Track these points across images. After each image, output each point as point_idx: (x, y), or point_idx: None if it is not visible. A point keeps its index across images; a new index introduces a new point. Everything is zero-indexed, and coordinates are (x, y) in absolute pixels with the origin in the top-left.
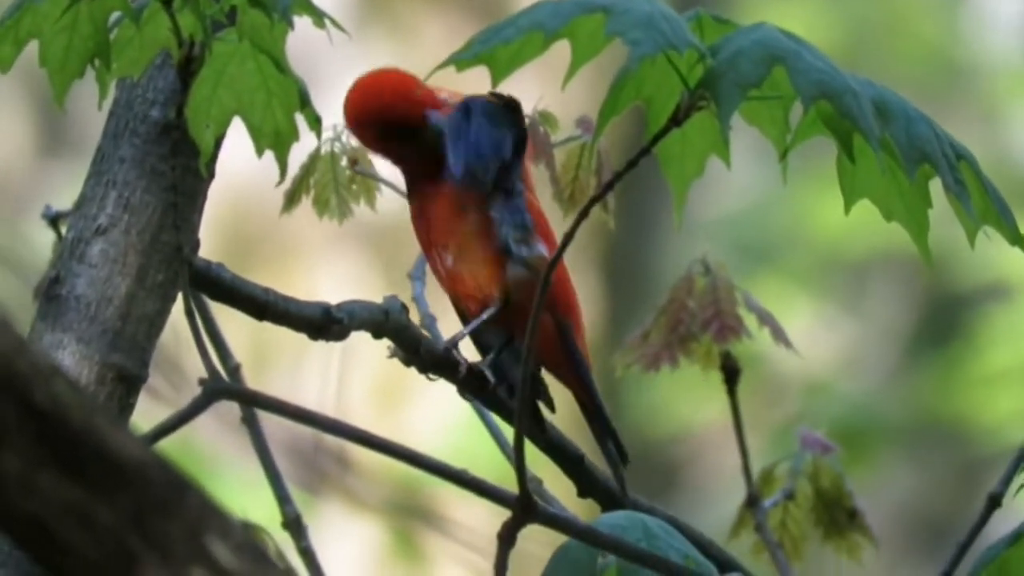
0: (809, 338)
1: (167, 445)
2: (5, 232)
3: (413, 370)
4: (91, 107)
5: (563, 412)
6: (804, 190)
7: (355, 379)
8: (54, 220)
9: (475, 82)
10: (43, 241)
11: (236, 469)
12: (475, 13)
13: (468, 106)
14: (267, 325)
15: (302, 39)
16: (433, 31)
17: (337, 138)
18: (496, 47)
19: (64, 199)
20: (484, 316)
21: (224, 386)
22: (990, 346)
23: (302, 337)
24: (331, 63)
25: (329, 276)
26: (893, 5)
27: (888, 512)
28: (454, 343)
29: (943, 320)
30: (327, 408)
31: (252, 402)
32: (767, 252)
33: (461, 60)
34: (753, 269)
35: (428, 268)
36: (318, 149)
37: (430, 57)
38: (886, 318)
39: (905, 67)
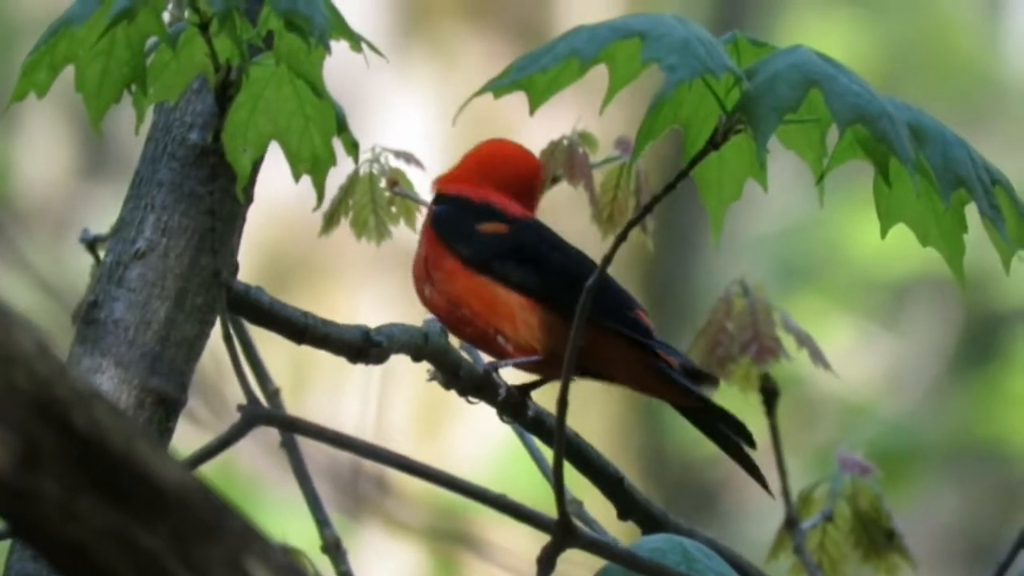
0: (848, 359)
1: (207, 469)
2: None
3: (453, 393)
4: (131, 130)
5: (599, 432)
6: (843, 210)
7: (395, 402)
8: (92, 244)
9: (514, 106)
10: (81, 265)
11: (275, 493)
12: (514, 36)
13: None
14: (307, 348)
15: (341, 62)
16: (472, 54)
17: (376, 159)
18: (534, 74)
19: (104, 223)
20: (525, 359)
21: (263, 412)
22: None
23: (342, 360)
24: (372, 84)
25: (368, 299)
26: (932, 24)
27: (928, 533)
28: (495, 367)
29: (982, 340)
30: (366, 431)
31: (291, 428)
32: (806, 272)
33: (499, 87)
34: (792, 289)
35: None
36: (356, 171)
37: (469, 80)
38: (925, 338)
39: (944, 86)
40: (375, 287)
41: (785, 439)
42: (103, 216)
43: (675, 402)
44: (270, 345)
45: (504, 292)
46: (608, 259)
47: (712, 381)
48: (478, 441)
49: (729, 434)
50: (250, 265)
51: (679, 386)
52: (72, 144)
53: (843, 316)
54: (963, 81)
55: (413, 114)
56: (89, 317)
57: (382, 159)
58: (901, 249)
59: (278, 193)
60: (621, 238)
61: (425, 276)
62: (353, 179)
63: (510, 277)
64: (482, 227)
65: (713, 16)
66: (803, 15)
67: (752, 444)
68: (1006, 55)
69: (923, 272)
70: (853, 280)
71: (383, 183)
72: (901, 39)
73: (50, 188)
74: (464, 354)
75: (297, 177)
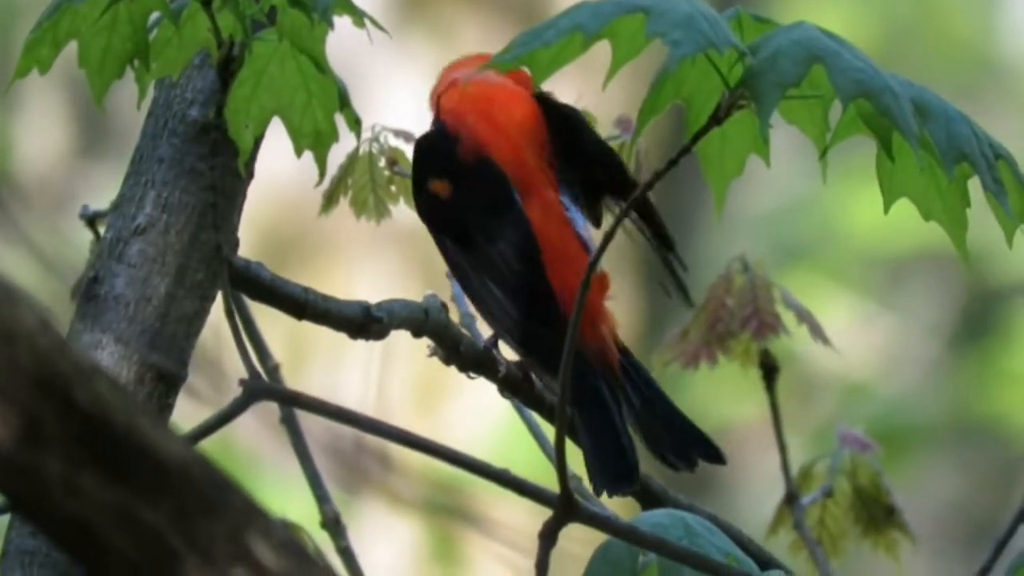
0: (848, 335)
1: (207, 445)
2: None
3: (453, 369)
4: (133, 106)
5: None
6: (844, 187)
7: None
8: (92, 220)
9: None
10: (82, 241)
11: (276, 469)
12: (514, 13)
13: None
14: (307, 324)
15: (343, 39)
16: (473, 31)
17: (375, 139)
18: (537, 49)
19: (104, 199)
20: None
21: (264, 386)
22: None
23: (342, 336)
24: (371, 64)
25: (368, 275)
26: (931, 2)
27: (928, 510)
28: (494, 342)
29: (983, 317)
30: (367, 407)
31: (292, 402)
32: (807, 249)
33: (502, 63)
34: (792, 266)
35: None
36: (356, 150)
37: None
38: (925, 315)
39: (943, 64)
40: (374, 265)
41: (785, 415)
42: (103, 192)
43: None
44: (270, 321)
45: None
46: (609, 237)
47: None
48: (478, 417)
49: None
50: (250, 242)
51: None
52: (72, 121)
53: (842, 293)
54: (961, 60)
55: (412, 93)
56: (89, 293)
57: (381, 138)
58: (901, 226)
59: (278, 171)
60: (623, 215)
61: None
62: (353, 158)
63: (445, 251)
64: (431, 184)
65: None
66: None
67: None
68: (1004, 33)
69: (923, 249)
70: (852, 257)
71: (382, 162)
72: (900, 18)
73: (50, 165)
74: (464, 330)
75: (299, 153)
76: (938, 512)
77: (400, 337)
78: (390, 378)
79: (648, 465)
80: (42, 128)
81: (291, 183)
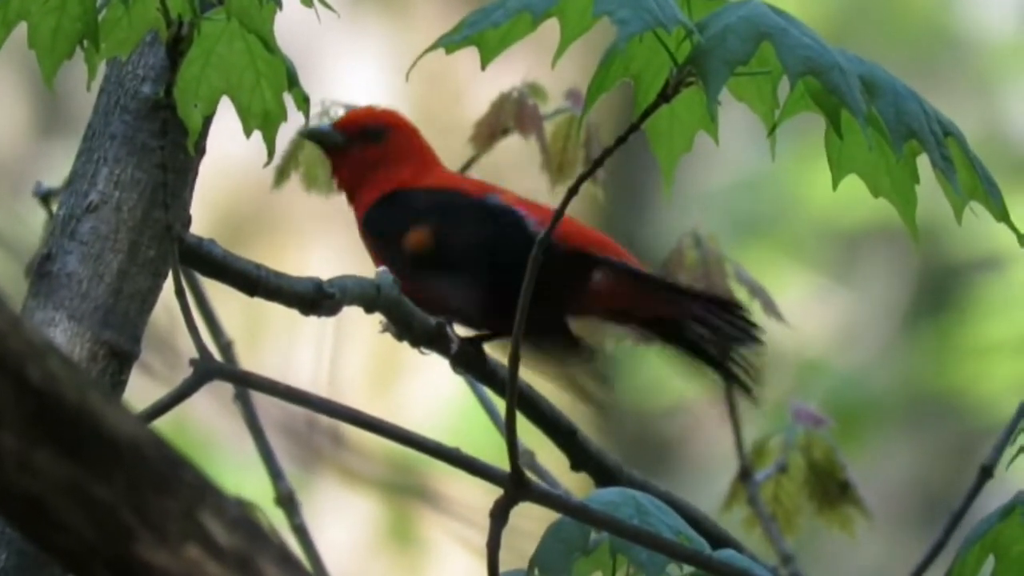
0: (802, 310)
1: (161, 423)
2: None
3: (406, 345)
4: (86, 85)
5: (552, 386)
6: (797, 161)
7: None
8: (45, 197)
9: (467, 60)
10: (36, 219)
11: (229, 446)
12: None
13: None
14: (261, 301)
15: (295, 17)
16: (425, 10)
17: (326, 113)
18: (485, 29)
19: (59, 177)
20: None
21: (215, 366)
22: (985, 318)
23: (296, 312)
24: (323, 41)
25: (319, 253)
26: None
27: (884, 485)
28: (448, 320)
29: (937, 292)
30: (321, 384)
31: (243, 382)
32: (760, 224)
33: (451, 43)
34: (746, 241)
35: None
36: (306, 124)
37: (422, 37)
38: (879, 290)
39: (898, 39)
40: (326, 241)
41: (738, 391)
42: (58, 171)
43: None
44: (225, 298)
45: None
46: (560, 212)
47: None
48: (432, 392)
49: (706, 348)
50: (202, 219)
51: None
52: (27, 99)
53: (796, 268)
54: (917, 35)
55: (366, 69)
56: (42, 270)
57: (332, 112)
58: (856, 200)
59: (229, 148)
60: (572, 192)
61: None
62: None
63: (434, 289)
64: (407, 239)
65: None
66: None
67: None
68: (961, 6)
69: (878, 224)
70: (808, 231)
71: None
72: None
73: (5, 144)
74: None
75: (248, 133)
76: (893, 487)
77: (354, 313)
78: (344, 355)
79: (602, 443)
80: None
81: (244, 160)
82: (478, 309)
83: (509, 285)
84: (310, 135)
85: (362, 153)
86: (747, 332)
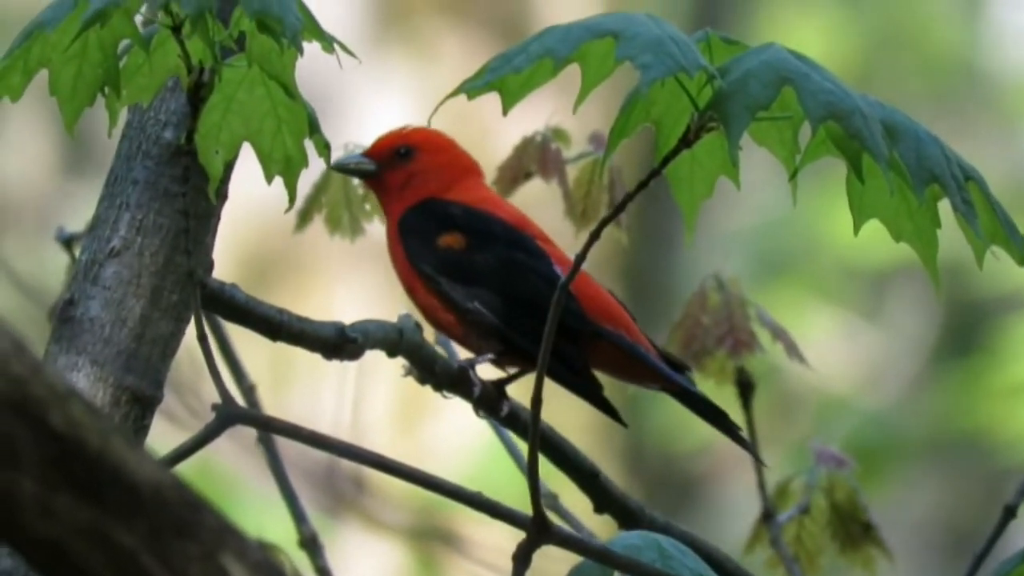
0: (827, 350)
1: (184, 465)
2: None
3: (429, 388)
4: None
5: (577, 427)
6: (821, 201)
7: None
8: (68, 242)
9: (492, 103)
10: (59, 263)
11: (252, 489)
12: (492, 31)
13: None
14: (283, 345)
15: (318, 57)
16: (450, 50)
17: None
18: (507, 75)
19: (83, 221)
20: (490, 356)
21: (238, 411)
22: (1011, 358)
23: (319, 356)
24: (347, 82)
25: (344, 295)
26: (911, 16)
27: (908, 525)
28: (471, 364)
29: (963, 330)
30: (344, 427)
31: (266, 427)
32: (785, 264)
33: (472, 88)
34: (771, 281)
35: None
36: (327, 171)
37: (447, 77)
38: (905, 330)
39: (923, 79)
40: (350, 283)
41: (762, 432)
42: (81, 213)
43: (653, 386)
44: (248, 342)
45: (458, 315)
46: (582, 257)
47: (685, 367)
48: (456, 435)
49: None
50: (226, 263)
51: (659, 372)
52: (51, 142)
53: (822, 307)
54: (942, 74)
55: (390, 111)
56: (65, 315)
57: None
58: (880, 239)
59: (253, 191)
60: (594, 236)
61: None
62: (326, 176)
63: (458, 300)
64: (440, 238)
65: (692, 12)
66: (781, 10)
67: (732, 430)
68: (984, 47)
69: (902, 262)
70: (832, 271)
71: (356, 180)
72: (879, 32)
73: (29, 186)
74: (440, 349)
75: (269, 179)
76: (917, 527)
77: (376, 357)
78: (367, 398)
79: (626, 484)
80: (21, 149)
81: (267, 204)
82: (489, 322)
83: (524, 306)
84: (341, 168)
85: (394, 174)
86: (722, 424)
